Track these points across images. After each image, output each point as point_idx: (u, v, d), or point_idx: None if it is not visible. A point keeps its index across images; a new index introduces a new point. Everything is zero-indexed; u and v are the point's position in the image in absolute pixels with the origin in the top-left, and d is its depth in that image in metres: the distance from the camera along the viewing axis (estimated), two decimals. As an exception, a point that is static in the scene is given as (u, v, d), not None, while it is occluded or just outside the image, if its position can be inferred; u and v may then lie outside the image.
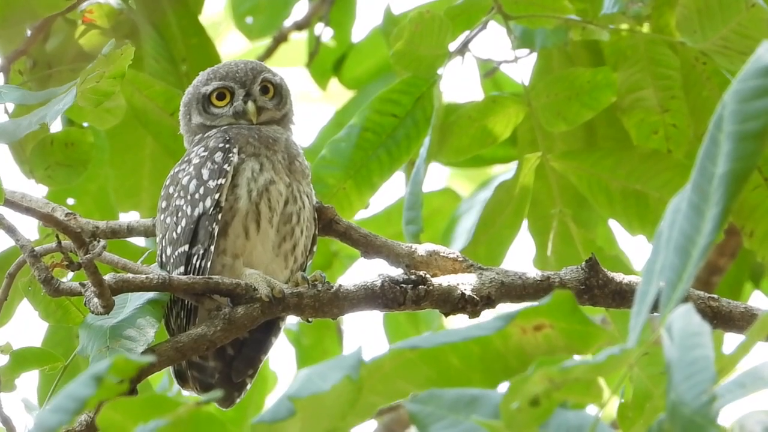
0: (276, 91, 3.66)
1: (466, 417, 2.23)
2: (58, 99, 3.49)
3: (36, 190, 4.23)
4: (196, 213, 3.45)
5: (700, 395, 2.07)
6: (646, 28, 4.50)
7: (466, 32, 4.52)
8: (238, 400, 3.59)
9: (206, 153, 3.52)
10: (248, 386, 3.59)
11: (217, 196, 3.44)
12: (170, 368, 3.51)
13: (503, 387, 2.33)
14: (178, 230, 3.47)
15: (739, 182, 2.16)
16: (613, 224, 4.83)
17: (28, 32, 4.57)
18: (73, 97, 3.44)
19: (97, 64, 3.48)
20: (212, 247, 3.42)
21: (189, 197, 3.48)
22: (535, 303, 2.29)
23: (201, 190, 3.46)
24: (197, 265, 3.42)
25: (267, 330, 3.56)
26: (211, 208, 3.44)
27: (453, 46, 4.49)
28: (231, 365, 3.56)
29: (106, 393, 2.27)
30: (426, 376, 2.34)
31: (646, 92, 4.50)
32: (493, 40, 6.24)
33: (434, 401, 2.26)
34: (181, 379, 3.56)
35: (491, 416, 2.22)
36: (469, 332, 2.28)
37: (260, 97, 3.63)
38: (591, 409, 2.26)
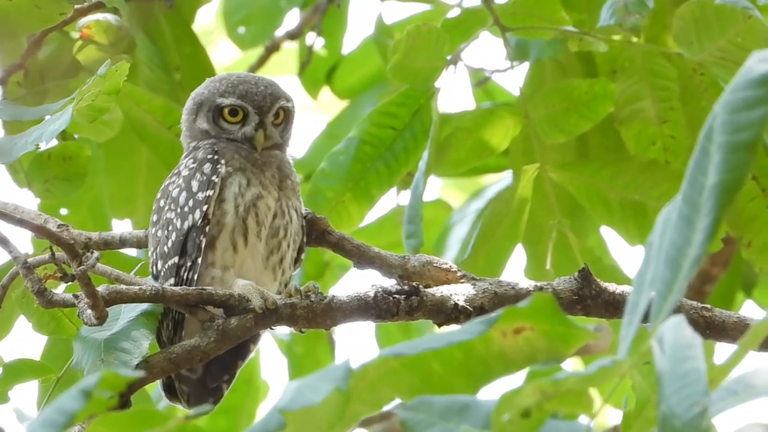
0: (285, 117, 3.64)
1: (457, 425, 2.22)
2: (54, 118, 3.48)
3: (29, 201, 4.24)
4: (185, 225, 3.45)
5: (691, 407, 2.06)
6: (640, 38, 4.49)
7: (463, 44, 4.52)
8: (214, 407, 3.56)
9: (195, 164, 3.52)
10: (225, 392, 3.54)
11: (205, 208, 3.44)
12: (159, 382, 3.50)
13: (485, 390, 2.33)
14: (169, 244, 3.47)
15: (729, 193, 2.16)
16: (607, 234, 4.84)
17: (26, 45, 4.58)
18: (70, 117, 3.43)
19: (94, 83, 3.48)
20: (199, 259, 3.42)
21: (179, 210, 3.48)
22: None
23: (190, 203, 3.46)
24: (185, 277, 3.42)
25: None
26: (200, 220, 3.45)
27: (447, 57, 4.49)
28: (207, 369, 3.55)
29: (95, 407, 2.26)
30: (410, 384, 2.34)
31: (644, 103, 4.49)
32: (483, 49, 6.25)
33: (425, 409, 2.26)
34: (170, 392, 3.54)
35: (482, 424, 2.22)
36: (451, 337, 2.28)
37: (270, 127, 3.60)
38: (582, 419, 2.26)
